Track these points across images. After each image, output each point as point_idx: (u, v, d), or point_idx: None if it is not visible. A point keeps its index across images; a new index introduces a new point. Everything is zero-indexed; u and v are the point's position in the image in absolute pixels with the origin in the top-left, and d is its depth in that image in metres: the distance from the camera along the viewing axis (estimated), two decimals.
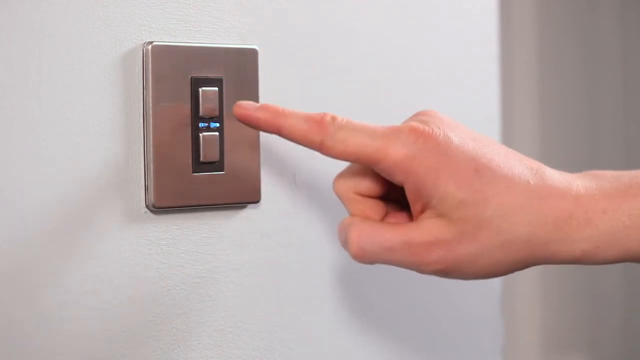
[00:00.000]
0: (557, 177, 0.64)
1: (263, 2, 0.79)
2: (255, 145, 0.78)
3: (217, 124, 0.76)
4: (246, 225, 0.79)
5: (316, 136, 0.65)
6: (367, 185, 0.66)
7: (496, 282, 0.95)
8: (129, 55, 0.73)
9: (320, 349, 0.84)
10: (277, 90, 0.80)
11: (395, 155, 0.63)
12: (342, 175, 0.67)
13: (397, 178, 0.63)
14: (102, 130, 0.72)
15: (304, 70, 0.82)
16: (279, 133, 0.66)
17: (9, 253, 0.68)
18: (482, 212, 0.62)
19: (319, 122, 0.65)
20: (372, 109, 0.86)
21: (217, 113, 0.75)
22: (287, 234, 0.81)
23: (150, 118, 0.73)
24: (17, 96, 0.68)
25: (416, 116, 0.66)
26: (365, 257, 0.64)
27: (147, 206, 0.73)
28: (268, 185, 0.80)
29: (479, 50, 0.94)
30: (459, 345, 0.93)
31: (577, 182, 0.64)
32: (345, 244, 0.65)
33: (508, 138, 1.50)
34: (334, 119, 0.65)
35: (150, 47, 0.73)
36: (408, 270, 0.65)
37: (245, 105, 0.67)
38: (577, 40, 1.59)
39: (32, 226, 0.69)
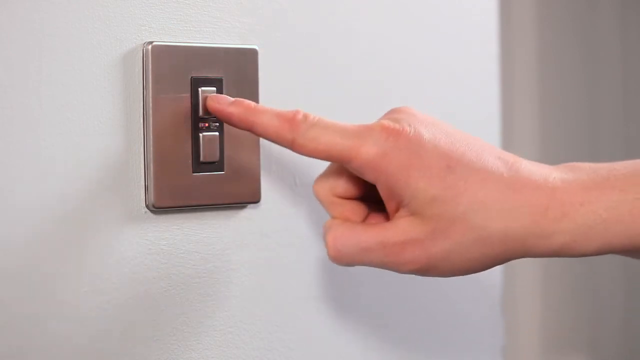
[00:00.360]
0: (533, 169, 0.63)
1: (263, 2, 0.79)
2: (255, 146, 0.78)
3: (217, 124, 0.76)
4: (246, 225, 0.79)
5: (288, 134, 0.64)
6: (345, 186, 0.66)
7: (496, 282, 0.95)
8: (129, 55, 0.73)
9: (320, 349, 0.84)
10: (277, 90, 0.80)
11: (366, 154, 0.62)
12: (320, 178, 0.67)
13: (369, 177, 0.63)
14: (102, 130, 0.72)
15: (304, 70, 0.82)
16: (252, 130, 0.66)
17: (9, 253, 0.68)
18: (454, 208, 0.62)
19: (291, 119, 0.65)
20: (372, 109, 0.86)
21: None
22: (287, 234, 0.81)
23: (150, 118, 0.73)
24: (17, 96, 0.68)
25: (389, 114, 0.66)
26: (342, 259, 0.64)
27: (147, 206, 0.73)
28: (268, 185, 0.80)
29: (479, 50, 0.94)
30: (459, 345, 0.93)
31: (553, 175, 0.63)
32: (325, 246, 0.65)
33: (508, 138, 1.50)
34: (305, 116, 0.65)
35: (150, 47, 0.73)
36: (387, 270, 0.65)
37: (219, 99, 0.67)
38: (577, 40, 1.59)
39: (31, 226, 0.69)
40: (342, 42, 0.85)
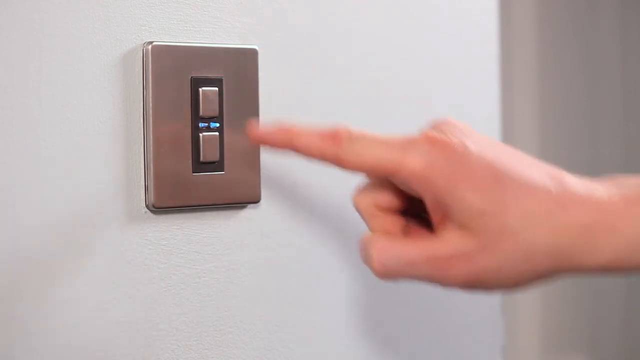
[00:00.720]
0: (578, 184, 0.62)
1: (263, 2, 0.79)
2: (256, 146, 0.78)
3: (217, 124, 0.76)
4: (246, 225, 0.79)
5: (331, 151, 0.63)
6: (387, 198, 0.65)
7: None
8: (129, 55, 0.73)
9: (320, 349, 0.84)
10: (277, 90, 0.80)
11: (412, 166, 0.61)
12: (361, 189, 0.66)
13: (415, 188, 0.62)
14: (102, 130, 0.72)
15: (304, 70, 0.82)
16: (295, 151, 0.65)
17: (9, 253, 0.68)
18: (503, 222, 0.61)
19: (333, 136, 0.63)
20: (372, 108, 0.86)
21: (217, 113, 0.75)
22: (287, 234, 0.81)
23: (150, 118, 0.73)
24: (17, 96, 0.68)
25: (433, 125, 0.65)
26: (388, 274, 0.63)
27: (147, 206, 0.73)
28: (268, 185, 0.80)
29: (479, 50, 0.94)
30: (459, 345, 0.93)
31: (599, 189, 0.62)
32: (366, 261, 0.63)
33: (508, 138, 1.50)
34: (348, 132, 0.63)
35: (150, 47, 0.73)
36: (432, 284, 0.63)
37: (258, 128, 0.66)
38: (577, 40, 1.59)
39: (32, 226, 0.69)
40: (342, 42, 0.85)
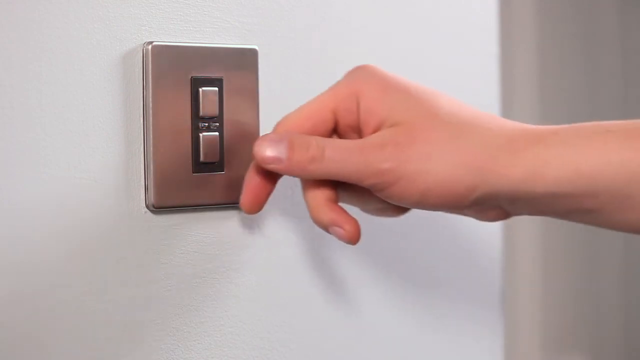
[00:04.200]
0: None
1: (263, 2, 0.79)
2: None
3: (217, 124, 0.76)
4: (246, 225, 0.79)
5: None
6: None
7: (496, 282, 0.95)
8: (129, 55, 0.73)
9: (320, 349, 0.84)
10: (277, 90, 0.80)
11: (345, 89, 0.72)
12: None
13: (350, 107, 0.71)
14: (102, 130, 0.72)
15: (304, 70, 0.82)
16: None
17: (9, 253, 0.68)
18: (434, 112, 0.67)
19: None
20: None
21: (217, 113, 0.75)
22: (287, 234, 0.81)
23: (150, 118, 0.73)
24: (17, 96, 0.68)
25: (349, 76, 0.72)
26: (320, 161, 0.68)
27: (147, 206, 0.73)
28: None
29: (479, 50, 0.94)
30: (459, 345, 0.93)
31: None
32: (304, 148, 0.68)
33: None
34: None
35: (150, 47, 0.73)
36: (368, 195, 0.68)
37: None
38: (577, 39, 1.59)
39: (31, 226, 0.69)
40: (342, 42, 0.85)
